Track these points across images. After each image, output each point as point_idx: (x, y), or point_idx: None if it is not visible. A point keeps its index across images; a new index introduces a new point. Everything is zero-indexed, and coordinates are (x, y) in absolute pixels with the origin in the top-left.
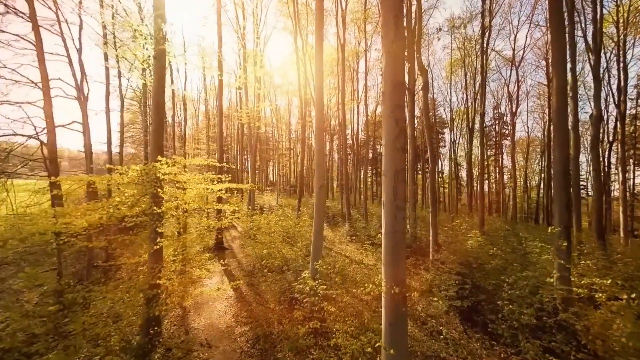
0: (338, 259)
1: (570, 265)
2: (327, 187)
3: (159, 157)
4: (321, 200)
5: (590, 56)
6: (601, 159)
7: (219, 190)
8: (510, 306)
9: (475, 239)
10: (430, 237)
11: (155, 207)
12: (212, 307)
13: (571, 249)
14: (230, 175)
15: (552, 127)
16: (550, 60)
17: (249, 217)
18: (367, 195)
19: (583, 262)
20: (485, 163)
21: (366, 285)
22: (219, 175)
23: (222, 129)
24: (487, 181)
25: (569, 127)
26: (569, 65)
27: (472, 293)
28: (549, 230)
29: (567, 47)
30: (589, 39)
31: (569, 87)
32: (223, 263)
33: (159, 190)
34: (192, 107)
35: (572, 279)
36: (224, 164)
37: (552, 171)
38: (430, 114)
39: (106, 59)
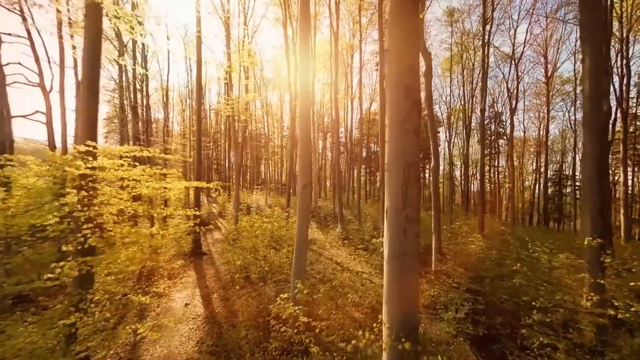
0: (328, 266)
1: (605, 283)
2: (320, 186)
3: (75, 147)
4: (305, 202)
5: None
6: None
7: (167, 190)
8: (542, 339)
9: (477, 243)
10: (433, 244)
11: (56, 214)
12: (175, 330)
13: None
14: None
15: (582, 118)
16: (582, 41)
17: (233, 219)
18: (360, 195)
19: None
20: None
21: (362, 335)
22: (164, 170)
23: (201, 118)
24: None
25: (581, 124)
26: (579, 57)
27: (486, 315)
28: (586, 243)
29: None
30: None
31: (578, 81)
32: (198, 272)
33: (68, 190)
34: (181, 102)
35: (616, 303)
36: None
37: (582, 171)
38: None
39: (60, 32)
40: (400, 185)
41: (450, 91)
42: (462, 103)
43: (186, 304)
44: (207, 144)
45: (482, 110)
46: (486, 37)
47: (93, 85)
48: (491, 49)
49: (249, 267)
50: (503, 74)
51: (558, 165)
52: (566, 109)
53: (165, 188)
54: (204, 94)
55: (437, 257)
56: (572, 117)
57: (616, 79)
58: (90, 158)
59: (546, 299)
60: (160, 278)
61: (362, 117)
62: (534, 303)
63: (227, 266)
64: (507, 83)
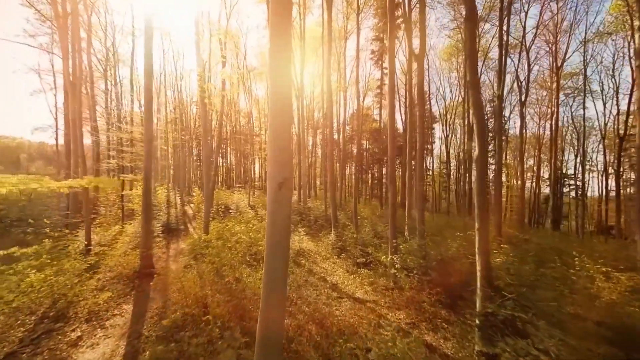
0: (321, 291)
1: None
2: (310, 185)
3: None
4: (283, 215)
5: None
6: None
7: None
8: None
9: (503, 254)
10: (478, 272)
11: None
12: None
13: None
14: None
15: None
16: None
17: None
18: (356, 195)
19: None
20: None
21: None
22: None
23: (151, 89)
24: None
25: (630, 109)
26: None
27: None
28: None
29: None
30: None
31: (630, 55)
32: (138, 306)
33: None
34: (157, 93)
35: None
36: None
37: None
38: (416, 108)
39: None
40: None
41: (450, 84)
42: (463, 96)
43: None
44: (183, 137)
45: (500, 97)
46: (504, 11)
47: None
48: (492, 39)
49: (208, 300)
50: (513, 62)
51: (558, 162)
52: (569, 104)
53: None
54: (181, 83)
55: (486, 292)
56: (578, 113)
57: None
58: None
59: None
60: (76, 320)
61: (359, 105)
62: None
63: (180, 295)
64: (517, 72)
